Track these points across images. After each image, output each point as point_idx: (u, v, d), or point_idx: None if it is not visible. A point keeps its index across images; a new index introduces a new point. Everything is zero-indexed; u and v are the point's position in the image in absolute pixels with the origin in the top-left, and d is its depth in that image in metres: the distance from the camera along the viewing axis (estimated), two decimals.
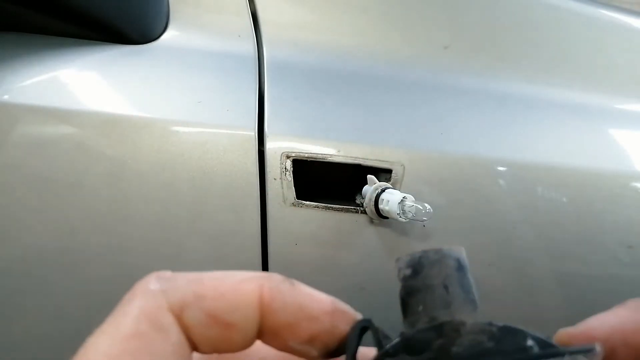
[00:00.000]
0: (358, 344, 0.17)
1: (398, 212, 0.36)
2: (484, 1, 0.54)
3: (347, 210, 0.39)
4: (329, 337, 0.18)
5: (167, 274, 0.17)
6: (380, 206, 0.37)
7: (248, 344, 0.18)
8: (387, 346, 0.17)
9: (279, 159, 0.37)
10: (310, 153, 0.38)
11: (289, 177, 0.37)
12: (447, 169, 0.41)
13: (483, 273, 0.41)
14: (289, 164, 0.37)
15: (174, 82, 0.38)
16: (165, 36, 0.40)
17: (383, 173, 0.40)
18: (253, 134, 0.37)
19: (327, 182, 0.40)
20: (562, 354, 0.15)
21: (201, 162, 0.36)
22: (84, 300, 0.35)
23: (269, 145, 0.37)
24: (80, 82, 0.36)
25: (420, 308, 0.17)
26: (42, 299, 0.35)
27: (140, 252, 0.36)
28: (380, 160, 0.39)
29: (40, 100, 0.35)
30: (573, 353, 0.15)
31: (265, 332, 0.17)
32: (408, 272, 0.18)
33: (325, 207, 0.38)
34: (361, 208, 0.39)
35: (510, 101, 0.47)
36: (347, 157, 0.39)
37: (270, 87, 0.40)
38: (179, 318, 0.16)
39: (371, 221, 0.39)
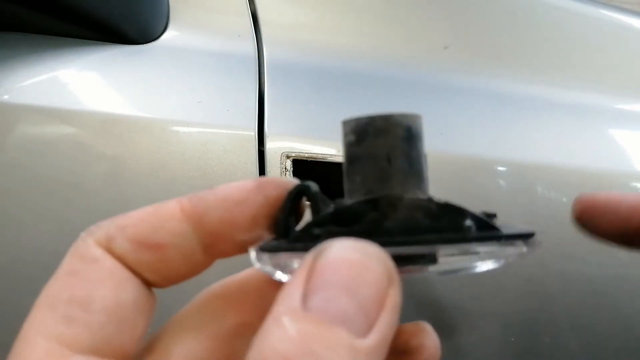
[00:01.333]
0: (292, 208, 0.16)
1: None
2: (484, 1, 0.54)
3: None
4: (270, 210, 0.17)
5: (106, 221, 0.17)
6: None
7: (197, 264, 0.17)
8: (317, 216, 0.16)
9: (279, 159, 0.37)
10: (310, 153, 0.38)
11: (289, 177, 0.37)
12: (447, 168, 0.41)
13: (482, 272, 0.41)
14: (289, 164, 0.37)
15: (173, 82, 0.38)
16: (165, 36, 0.40)
17: None
18: (253, 134, 0.37)
19: (327, 182, 0.40)
20: (498, 239, 0.14)
21: (201, 162, 0.36)
22: None
23: (269, 145, 0.37)
24: (80, 82, 0.36)
25: (360, 178, 0.16)
26: None
27: None
28: None
29: (41, 100, 0.35)
30: (510, 238, 0.15)
31: (208, 242, 0.17)
32: (352, 138, 0.16)
33: None
34: None
35: (510, 101, 0.47)
36: None
37: (271, 87, 0.40)
38: (110, 250, 0.16)
39: None
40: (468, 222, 0.15)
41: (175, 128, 0.36)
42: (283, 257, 0.14)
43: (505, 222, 0.16)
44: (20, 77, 0.35)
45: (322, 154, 0.38)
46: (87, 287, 0.15)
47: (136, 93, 0.37)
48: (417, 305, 0.38)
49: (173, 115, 0.37)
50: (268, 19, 0.45)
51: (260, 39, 0.43)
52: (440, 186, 0.40)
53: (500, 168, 0.42)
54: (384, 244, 0.13)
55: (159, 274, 0.17)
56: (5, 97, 0.34)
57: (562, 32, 0.54)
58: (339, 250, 0.13)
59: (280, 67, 0.42)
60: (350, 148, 0.16)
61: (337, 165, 0.39)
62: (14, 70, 0.35)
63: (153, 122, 0.36)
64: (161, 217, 0.17)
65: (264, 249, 0.15)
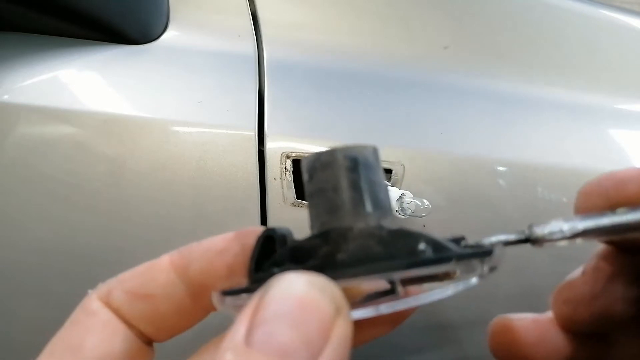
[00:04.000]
0: (260, 250, 0.16)
1: (397, 208, 0.36)
2: (484, 1, 0.54)
3: None
4: (245, 259, 0.17)
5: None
6: None
7: (188, 315, 0.18)
8: (275, 255, 0.16)
9: (279, 159, 0.37)
10: (310, 153, 0.38)
11: (289, 177, 0.37)
12: (447, 168, 0.41)
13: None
14: (289, 164, 0.37)
15: (174, 82, 0.38)
16: (165, 36, 0.40)
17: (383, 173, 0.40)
18: (253, 134, 0.37)
19: None
20: (450, 259, 0.14)
21: (201, 162, 0.36)
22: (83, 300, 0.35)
23: (269, 145, 0.37)
24: (80, 82, 0.36)
25: (314, 214, 0.16)
26: (42, 299, 0.35)
27: (140, 252, 0.36)
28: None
29: (41, 100, 0.35)
30: (464, 258, 0.14)
31: (195, 292, 0.18)
32: (306, 176, 0.16)
33: None
34: None
35: (510, 101, 0.47)
36: None
37: (270, 87, 0.40)
38: (107, 303, 0.17)
39: None
40: (422, 246, 0.14)
41: (175, 128, 0.36)
42: (243, 298, 0.14)
43: (483, 240, 0.16)
44: (21, 77, 0.35)
45: None
46: (80, 336, 0.16)
47: (136, 93, 0.37)
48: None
49: (173, 115, 0.37)
50: (268, 19, 0.45)
51: (260, 39, 0.43)
52: (440, 186, 0.40)
53: (500, 168, 0.42)
54: (333, 276, 0.13)
55: (152, 325, 0.18)
56: (6, 96, 0.34)
57: (562, 32, 0.54)
58: (284, 284, 0.13)
59: (280, 67, 0.42)
60: (306, 185, 0.16)
61: None
62: (14, 70, 0.35)
63: (153, 122, 0.36)
64: (153, 270, 0.18)
65: (225, 293, 0.15)
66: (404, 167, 0.40)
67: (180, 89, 0.38)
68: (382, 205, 0.16)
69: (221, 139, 0.37)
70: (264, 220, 0.37)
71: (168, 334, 0.18)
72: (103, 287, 0.18)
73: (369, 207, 0.15)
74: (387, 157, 0.40)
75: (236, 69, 0.40)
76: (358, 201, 0.15)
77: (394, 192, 0.36)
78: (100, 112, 0.35)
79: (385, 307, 0.14)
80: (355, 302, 0.16)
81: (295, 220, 0.38)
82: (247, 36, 0.42)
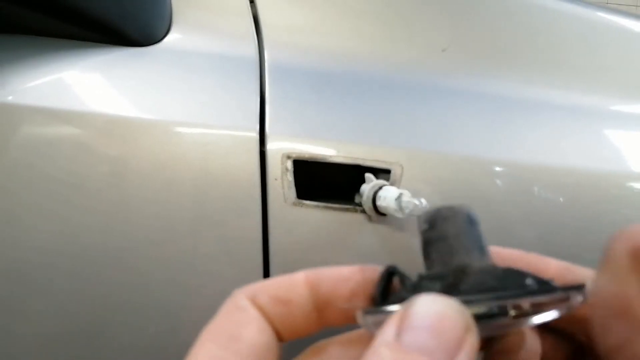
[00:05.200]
0: (386, 284, 0.21)
1: (395, 208, 0.36)
2: (482, 4, 0.54)
3: (347, 210, 0.39)
4: (366, 290, 0.22)
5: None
6: (378, 203, 0.37)
7: (312, 323, 0.23)
8: (407, 284, 0.20)
9: (280, 159, 0.38)
10: (311, 153, 0.38)
11: (290, 177, 0.38)
12: (446, 169, 0.41)
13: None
14: (289, 164, 0.38)
15: (176, 84, 0.38)
16: (167, 38, 0.41)
17: (382, 173, 0.40)
18: (254, 135, 0.38)
19: (328, 182, 0.41)
20: (554, 291, 0.17)
21: (203, 163, 0.36)
22: (85, 300, 0.36)
23: (270, 146, 0.38)
24: (83, 84, 0.36)
25: (435, 255, 0.20)
26: (43, 300, 0.35)
27: (142, 253, 0.36)
28: (379, 161, 0.40)
29: (44, 102, 0.35)
30: (566, 290, 0.18)
31: (320, 306, 0.22)
32: (425, 226, 0.21)
33: (326, 206, 0.39)
34: (360, 207, 0.39)
35: (508, 102, 0.47)
36: (347, 157, 0.39)
37: (272, 88, 0.40)
38: (254, 303, 0.21)
39: (369, 219, 0.39)
40: (529, 281, 0.18)
41: (178, 129, 0.37)
42: (381, 316, 0.18)
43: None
44: (25, 79, 0.35)
45: (322, 155, 0.39)
46: (237, 327, 0.20)
47: (139, 95, 0.37)
48: None
49: (175, 116, 0.37)
50: (269, 21, 0.45)
51: (262, 41, 0.43)
52: (438, 186, 0.41)
53: (498, 169, 0.42)
54: (462, 300, 0.16)
55: (285, 326, 0.22)
56: (10, 98, 0.34)
57: (560, 34, 0.55)
58: (425, 302, 0.17)
59: (282, 69, 0.42)
60: (426, 232, 0.21)
61: (338, 165, 0.39)
62: (18, 71, 0.35)
63: (156, 124, 0.36)
64: (292, 283, 0.22)
65: (367, 312, 0.19)
66: (403, 167, 0.40)
67: (183, 90, 0.38)
68: (487, 251, 0.20)
69: (223, 139, 0.37)
70: (265, 220, 0.37)
71: (293, 335, 0.22)
72: (248, 290, 0.22)
73: (480, 251, 0.20)
74: (386, 157, 0.40)
75: (238, 71, 0.40)
76: (474, 247, 0.20)
77: (392, 191, 0.37)
78: (104, 113, 0.36)
79: (498, 327, 0.18)
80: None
81: (295, 219, 0.38)
82: (249, 38, 0.43)
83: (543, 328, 0.22)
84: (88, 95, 0.36)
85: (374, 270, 0.22)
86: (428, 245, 0.21)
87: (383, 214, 0.38)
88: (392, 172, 0.40)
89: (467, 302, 0.17)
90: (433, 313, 0.16)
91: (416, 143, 0.42)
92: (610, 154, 0.47)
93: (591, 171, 0.45)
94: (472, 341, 0.16)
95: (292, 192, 0.38)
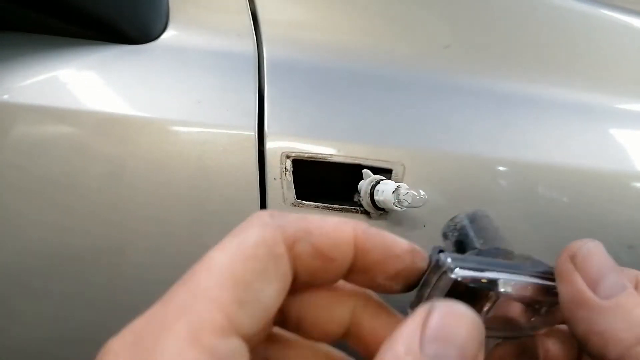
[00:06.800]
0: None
1: (393, 201, 0.35)
2: (485, 1, 0.54)
3: (347, 210, 0.39)
4: (409, 273, 0.21)
5: (277, 212, 0.20)
6: (376, 197, 0.37)
7: (338, 278, 0.21)
8: (472, 251, 0.24)
9: (279, 159, 0.37)
10: (310, 153, 0.38)
11: (289, 177, 0.37)
12: (448, 168, 0.41)
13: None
14: (288, 164, 0.37)
15: (173, 82, 0.38)
16: (165, 36, 0.40)
17: (383, 173, 0.39)
18: (253, 133, 0.37)
19: (327, 182, 0.40)
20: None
21: (201, 162, 0.36)
22: (83, 300, 0.35)
23: (269, 145, 0.37)
24: (79, 82, 0.36)
25: (482, 242, 0.25)
26: (42, 300, 0.35)
27: (140, 252, 0.35)
28: (380, 160, 0.39)
29: (40, 100, 0.34)
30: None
31: (355, 269, 0.21)
32: (466, 221, 0.26)
33: (325, 207, 0.38)
34: (361, 208, 0.39)
35: (510, 101, 0.46)
36: (347, 157, 0.39)
37: (270, 86, 0.40)
38: (290, 249, 0.19)
39: (369, 217, 0.39)
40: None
41: (175, 128, 0.36)
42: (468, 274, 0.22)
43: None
44: (20, 77, 0.35)
45: (322, 154, 0.38)
46: (263, 282, 0.18)
47: (136, 93, 0.37)
48: None
49: (172, 115, 0.36)
50: (268, 18, 0.45)
51: (260, 38, 0.43)
52: (440, 185, 0.40)
53: (501, 167, 0.42)
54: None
55: (311, 276, 0.20)
56: (5, 96, 0.34)
57: (563, 31, 0.54)
58: (446, 310, 0.18)
59: (280, 66, 0.41)
60: (464, 229, 0.27)
61: (337, 165, 0.39)
62: (13, 69, 0.35)
63: (152, 122, 0.36)
64: (340, 236, 0.20)
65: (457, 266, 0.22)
66: (404, 166, 0.39)
67: (180, 88, 0.38)
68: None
69: (221, 138, 0.36)
70: None
71: (311, 285, 0.21)
72: (289, 230, 0.19)
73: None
74: (387, 157, 0.40)
75: (236, 69, 0.40)
76: (504, 239, 0.25)
77: (389, 185, 0.36)
78: (100, 111, 0.35)
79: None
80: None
81: None
82: (247, 35, 0.42)
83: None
84: (84, 94, 0.36)
85: (421, 255, 0.22)
86: (466, 236, 0.26)
87: (382, 210, 0.38)
88: (394, 171, 0.39)
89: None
90: (460, 325, 0.17)
91: (418, 142, 0.41)
92: (614, 153, 0.46)
93: (596, 170, 0.44)
94: (481, 357, 0.18)
95: (291, 192, 0.37)
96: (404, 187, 0.36)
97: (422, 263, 0.21)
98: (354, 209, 0.39)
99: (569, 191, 0.43)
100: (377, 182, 0.37)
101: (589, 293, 0.21)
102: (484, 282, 0.22)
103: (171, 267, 0.36)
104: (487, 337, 0.20)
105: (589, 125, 0.47)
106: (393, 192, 0.36)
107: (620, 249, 0.43)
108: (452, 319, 0.18)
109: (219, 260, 0.18)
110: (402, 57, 0.46)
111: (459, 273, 0.21)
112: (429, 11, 0.51)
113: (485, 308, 0.22)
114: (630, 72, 0.54)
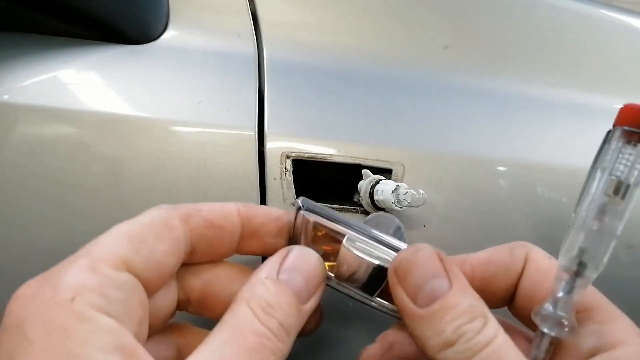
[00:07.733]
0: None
1: (393, 200, 0.36)
2: (484, 1, 0.54)
3: (347, 210, 0.39)
4: (289, 228, 0.28)
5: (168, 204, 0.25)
6: (376, 197, 0.37)
7: (234, 247, 0.27)
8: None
9: (279, 159, 0.37)
10: (311, 153, 0.38)
11: (289, 177, 0.37)
12: (448, 168, 0.41)
13: None
14: (289, 164, 0.37)
15: (173, 82, 0.38)
16: (165, 36, 0.40)
17: (383, 173, 0.40)
18: (253, 134, 0.37)
19: (327, 182, 0.40)
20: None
21: (201, 162, 0.36)
22: None
23: (269, 145, 0.37)
24: (80, 82, 0.36)
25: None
26: None
27: None
28: (380, 160, 0.39)
29: (40, 100, 0.35)
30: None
31: (245, 235, 0.27)
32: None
33: (325, 206, 0.38)
34: (360, 208, 0.39)
35: (510, 101, 0.46)
36: (347, 157, 0.39)
37: (270, 87, 0.40)
38: (185, 222, 0.24)
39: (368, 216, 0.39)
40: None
41: (175, 128, 0.36)
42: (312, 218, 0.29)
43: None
44: (21, 77, 0.35)
45: (322, 154, 0.38)
46: (157, 242, 0.22)
47: (136, 93, 0.37)
48: None
49: (173, 115, 0.37)
50: (268, 18, 0.45)
51: (260, 38, 0.43)
52: (440, 186, 0.40)
53: (501, 168, 0.42)
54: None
55: (208, 246, 0.26)
56: (5, 96, 0.34)
57: (563, 32, 0.54)
58: (301, 251, 0.26)
59: (280, 66, 0.42)
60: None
61: (337, 165, 0.39)
62: (14, 70, 0.35)
63: (153, 122, 0.36)
64: (226, 210, 0.26)
65: (305, 208, 0.29)
66: (404, 167, 0.39)
67: (180, 88, 0.38)
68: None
69: (221, 138, 0.37)
70: None
71: (208, 257, 0.27)
72: (181, 209, 0.24)
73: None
74: (387, 157, 0.40)
75: (236, 69, 0.40)
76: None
77: (389, 185, 0.36)
78: (100, 111, 0.35)
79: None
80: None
81: None
82: (247, 36, 0.42)
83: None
84: (84, 94, 0.36)
85: (294, 213, 0.28)
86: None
87: (382, 209, 0.38)
88: (394, 171, 0.39)
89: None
90: (306, 262, 0.25)
91: (418, 142, 0.41)
92: None
93: None
94: (322, 288, 0.26)
95: (291, 192, 0.37)
96: (403, 186, 0.36)
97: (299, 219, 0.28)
98: (354, 208, 0.39)
99: (569, 191, 0.43)
100: (377, 182, 0.37)
101: (410, 305, 0.24)
102: (326, 226, 0.28)
103: None
104: (339, 290, 0.28)
105: (589, 125, 0.47)
106: (393, 191, 0.36)
107: (620, 248, 0.43)
108: (302, 258, 0.25)
109: (118, 227, 0.23)
110: (401, 57, 0.47)
111: (305, 204, 0.28)
112: (429, 12, 0.51)
113: (333, 255, 0.28)
114: (630, 72, 0.54)
